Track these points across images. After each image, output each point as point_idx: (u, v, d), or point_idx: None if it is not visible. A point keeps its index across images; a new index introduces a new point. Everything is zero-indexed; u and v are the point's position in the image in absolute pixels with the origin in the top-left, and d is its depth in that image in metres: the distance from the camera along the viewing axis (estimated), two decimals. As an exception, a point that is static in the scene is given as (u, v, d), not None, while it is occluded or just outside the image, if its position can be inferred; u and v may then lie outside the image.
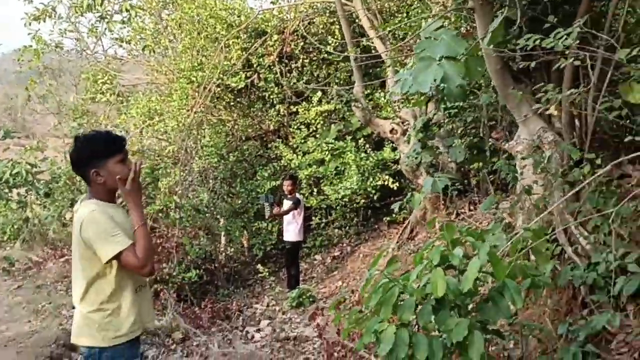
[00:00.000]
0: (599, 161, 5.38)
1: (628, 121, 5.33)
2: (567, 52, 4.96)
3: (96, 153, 3.48)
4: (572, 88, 5.68)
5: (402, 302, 4.23)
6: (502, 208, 6.93)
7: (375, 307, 4.30)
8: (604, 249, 5.28)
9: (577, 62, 4.73)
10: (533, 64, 5.37)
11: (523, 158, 5.98)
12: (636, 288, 4.97)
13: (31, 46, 13.97)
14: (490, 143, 7.28)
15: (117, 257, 3.33)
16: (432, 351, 4.12)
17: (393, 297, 4.16)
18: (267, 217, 10.33)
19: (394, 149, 10.65)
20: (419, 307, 4.25)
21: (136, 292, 3.55)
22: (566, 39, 4.38)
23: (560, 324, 5.45)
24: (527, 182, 5.97)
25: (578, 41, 4.63)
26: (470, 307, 4.43)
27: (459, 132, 8.04)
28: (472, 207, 9.19)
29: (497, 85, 6.03)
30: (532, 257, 4.68)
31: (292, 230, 10.13)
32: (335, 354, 6.69)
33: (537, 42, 4.52)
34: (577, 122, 6.11)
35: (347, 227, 11.79)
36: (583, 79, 5.72)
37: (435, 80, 4.62)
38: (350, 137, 11.41)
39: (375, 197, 11.06)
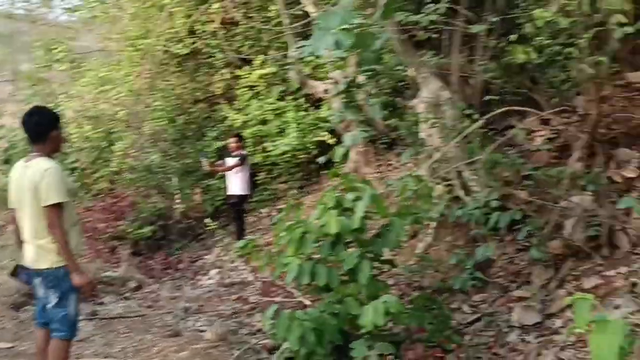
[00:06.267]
0: (476, 116, 6.26)
1: (500, 81, 6.21)
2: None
3: (57, 119, 4.70)
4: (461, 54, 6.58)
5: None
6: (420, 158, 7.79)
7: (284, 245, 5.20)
8: (488, 190, 6.18)
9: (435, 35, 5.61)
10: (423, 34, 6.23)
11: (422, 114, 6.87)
12: (508, 221, 5.91)
13: (-17, 17, 14.43)
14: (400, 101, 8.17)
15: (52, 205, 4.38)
16: (331, 278, 5.02)
17: (297, 236, 5.03)
18: (206, 171, 11.12)
19: (330, 108, 11.44)
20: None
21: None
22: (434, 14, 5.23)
23: (451, 256, 6.41)
24: (425, 135, 6.88)
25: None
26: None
27: (375, 92, 8.89)
28: (399, 159, 10.08)
29: (400, 52, 6.87)
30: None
31: (237, 184, 10.90)
32: (270, 292, 7.61)
33: (408, 17, 5.38)
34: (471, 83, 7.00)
35: (291, 182, 12.58)
36: (466, 46, 6.60)
37: (328, 46, 5.46)
38: (291, 97, 12.15)
39: (315, 153, 11.89)
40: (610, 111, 6.32)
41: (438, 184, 6.55)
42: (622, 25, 5.06)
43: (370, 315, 4.47)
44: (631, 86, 6.48)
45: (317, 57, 10.43)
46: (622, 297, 5.03)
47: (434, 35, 6.50)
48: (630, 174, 5.84)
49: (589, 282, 5.40)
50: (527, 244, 6.03)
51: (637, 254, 5.40)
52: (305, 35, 10.81)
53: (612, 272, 5.37)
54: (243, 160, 10.86)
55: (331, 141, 11.51)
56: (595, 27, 5.08)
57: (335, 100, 10.23)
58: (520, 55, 6.42)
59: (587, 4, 4.65)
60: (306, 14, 11.33)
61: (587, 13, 4.86)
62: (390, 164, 10.21)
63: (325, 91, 10.74)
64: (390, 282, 6.94)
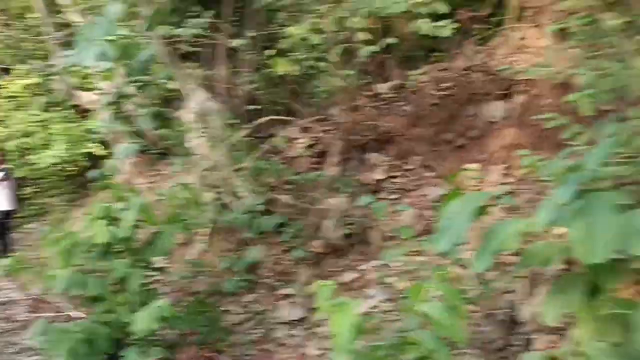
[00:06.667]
0: (242, 125, 6.59)
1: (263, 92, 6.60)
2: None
3: None
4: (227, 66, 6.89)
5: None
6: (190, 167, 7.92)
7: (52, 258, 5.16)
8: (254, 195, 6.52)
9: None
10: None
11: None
12: (274, 224, 6.29)
13: None
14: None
15: None
16: (101, 288, 5.06)
17: (65, 248, 5.02)
18: None
19: (99, 119, 11.26)
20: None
21: None
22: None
23: (223, 260, 6.67)
24: (194, 145, 7.09)
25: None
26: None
27: (145, 102, 8.94)
28: (171, 168, 10.17)
29: (166, 64, 7.01)
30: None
31: (1, 200, 10.37)
32: (40, 309, 7.38)
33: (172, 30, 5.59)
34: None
35: (61, 195, 12.20)
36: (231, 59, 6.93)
37: (93, 57, 5.52)
38: (58, 109, 11.79)
39: (85, 165, 11.64)
40: (362, 119, 6.94)
41: (207, 191, 6.77)
42: (366, 42, 5.64)
43: (144, 321, 4.59)
44: (379, 96, 7.15)
45: (85, 67, 10.27)
46: (374, 287, 5.59)
47: (199, 48, 6.73)
48: (379, 176, 6.47)
49: (347, 277, 5.92)
50: (292, 244, 6.43)
51: (386, 248, 6.00)
52: (70, 45, 10.56)
53: (366, 266, 5.93)
54: (6, 175, 10.37)
55: (101, 153, 11.34)
56: (343, 44, 5.60)
57: (104, 111, 10.11)
58: (280, 67, 6.85)
59: (334, 23, 5.12)
60: (69, 24, 11.07)
61: (335, 31, 5.34)
62: (162, 174, 10.27)
63: (94, 102, 10.58)
64: (165, 289, 7.05)
